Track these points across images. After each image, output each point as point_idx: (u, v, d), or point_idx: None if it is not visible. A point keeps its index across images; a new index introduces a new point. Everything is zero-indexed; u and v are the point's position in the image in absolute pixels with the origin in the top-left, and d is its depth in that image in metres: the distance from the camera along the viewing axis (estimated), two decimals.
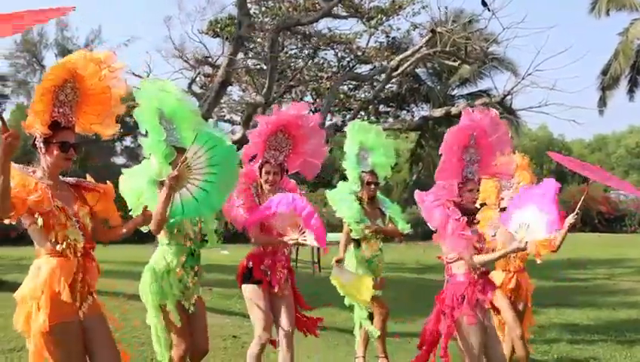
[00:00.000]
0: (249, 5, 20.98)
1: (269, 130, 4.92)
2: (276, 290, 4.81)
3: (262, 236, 4.80)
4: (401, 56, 13.90)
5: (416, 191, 4.35)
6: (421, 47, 13.07)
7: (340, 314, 8.74)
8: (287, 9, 20.13)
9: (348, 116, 18.19)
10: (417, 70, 24.91)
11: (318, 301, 9.95)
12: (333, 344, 7.35)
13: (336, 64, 24.19)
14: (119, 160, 37.50)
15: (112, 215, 3.67)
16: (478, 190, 4.21)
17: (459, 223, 4.08)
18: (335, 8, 19.63)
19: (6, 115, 29.47)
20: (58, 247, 3.33)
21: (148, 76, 19.32)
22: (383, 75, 19.10)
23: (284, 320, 4.84)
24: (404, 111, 25.63)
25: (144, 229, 4.09)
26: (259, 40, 19.89)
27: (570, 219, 5.37)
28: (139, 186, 4.09)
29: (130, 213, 4.12)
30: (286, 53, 22.98)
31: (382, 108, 26.12)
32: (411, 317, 9.06)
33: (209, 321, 7.37)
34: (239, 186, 4.82)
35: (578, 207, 5.48)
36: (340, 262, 5.96)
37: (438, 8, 13.11)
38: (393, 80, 24.38)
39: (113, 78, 3.56)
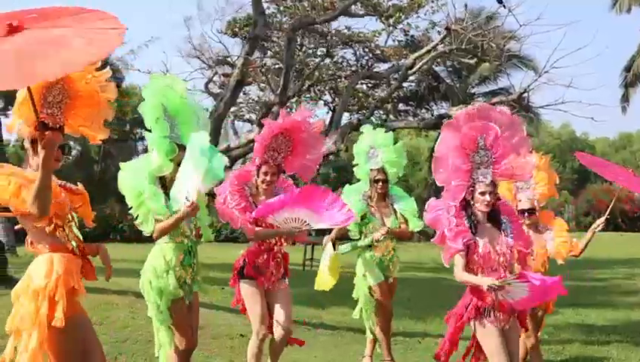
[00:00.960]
0: (267, 5, 21.13)
1: (271, 135, 4.98)
2: (269, 286, 4.91)
3: (262, 230, 4.82)
4: (416, 55, 13.83)
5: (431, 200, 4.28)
6: (436, 45, 12.97)
7: (351, 313, 8.72)
8: (306, 8, 20.16)
9: (365, 114, 18.10)
10: (436, 68, 24.70)
11: (330, 299, 10.01)
12: (343, 343, 7.35)
13: (355, 63, 24.20)
14: None
15: (89, 218, 3.70)
16: (492, 193, 4.05)
17: (451, 231, 4.01)
18: (353, 7, 19.67)
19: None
20: (69, 245, 3.39)
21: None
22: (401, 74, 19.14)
23: (281, 317, 4.89)
24: (424, 110, 25.50)
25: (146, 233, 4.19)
26: (276, 40, 19.86)
27: (598, 223, 5.43)
28: (139, 184, 4.09)
29: (130, 211, 4.13)
30: (304, 52, 23.02)
31: (401, 106, 26.04)
32: (423, 317, 9.01)
33: (219, 320, 7.52)
34: (232, 187, 4.87)
35: (607, 212, 5.43)
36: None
37: (454, 6, 12.93)
38: (412, 78, 24.40)
39: (100, 82, 3.58)
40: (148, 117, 4.14)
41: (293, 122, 5.07)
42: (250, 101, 22.53)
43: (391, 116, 23.66)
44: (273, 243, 4.92)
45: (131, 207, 4.13)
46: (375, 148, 6.35)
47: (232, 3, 36.48)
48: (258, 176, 4.94)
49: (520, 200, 5.45)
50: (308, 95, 24.65)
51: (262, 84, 22.14)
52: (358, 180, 6.52)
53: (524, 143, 4.07)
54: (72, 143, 4.14)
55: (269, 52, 22.27)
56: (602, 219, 5.60)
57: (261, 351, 4.90)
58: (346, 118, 19.51)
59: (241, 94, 24.13)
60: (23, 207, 3.18)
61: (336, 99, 22.30)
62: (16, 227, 3.73)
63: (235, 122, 22.41)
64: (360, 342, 7.12)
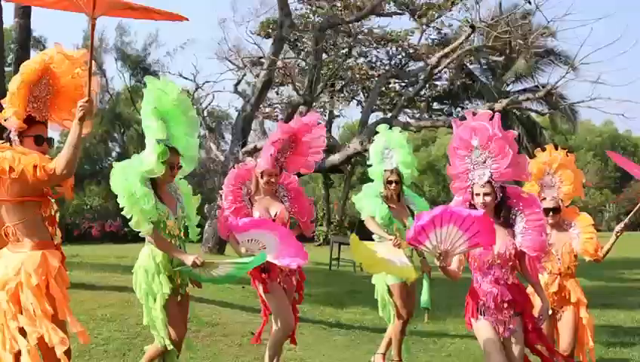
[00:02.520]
0: (300, 6, 21.26)
1: (283, 140, 5.06)
2: (284, 284, 5.00)
3: (233, 241, 4.91)
4: (440, 53, 13.70)
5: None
6: (461, 43, 12.84)
7: (371, 313, 8.72)
8: (338, 8, 20.18)
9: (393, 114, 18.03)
10: (470, 66, 24.49)
11: (350, 299, 10.04)
12: (356, 342, 7.35)
13: (388, 62, 24.12)
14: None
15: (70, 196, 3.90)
16: (488, 194, 4.02)
17: None
18: (387, 6, 19.62)
19: None
20: (55, 240, 3.57)
21: (194, 78, 19.96)
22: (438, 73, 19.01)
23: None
24: (459, 109, 25.26)
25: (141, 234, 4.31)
26: (306, 40, 19.94)
27: (619, 227, 5.31)
28: (131, 185, 4.19)
29: (122, 211, 4.23)
30: (337, 52, 23.07)
31: (435, 105, 25.86)
32: (442, 317, 8.95)
33: (235, 318, 7.62)
34: (228, 188, 4.97)
35: (630, 214, 5.31)
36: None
37: (476, 2, 12.77)
38: (445, 77, 24.20)
39: (85, 77, 3.62)
40: (144, 120, 4.27)
41: (302, 126, 5.18)
42: (284, 101, 22.67)
43: (425, 115, 23.55)
44: None
45: (123, 207, 4.23)
46: (390, 149, 6.32)
47: (267, 4, 36.75)
48: (262, 178, 4.99)
49: (544, 199, 5.32)
50: (341, 95, 24.73)
51: (297, 84, 22.31)
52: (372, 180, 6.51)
53: (515, 144, 4.07)
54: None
55: (302, 53, 22.42)
56: (622, 223, 5.49)
57: (282, 347, 5.10)
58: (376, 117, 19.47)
59: (275, 94, 24.35)
60: (47, 172, 3.34)
61: (368, 98, 22.30)
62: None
63: (266, 122, 22.57)
64: (374, 342, 7.11)
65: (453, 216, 3.67)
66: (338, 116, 26.21)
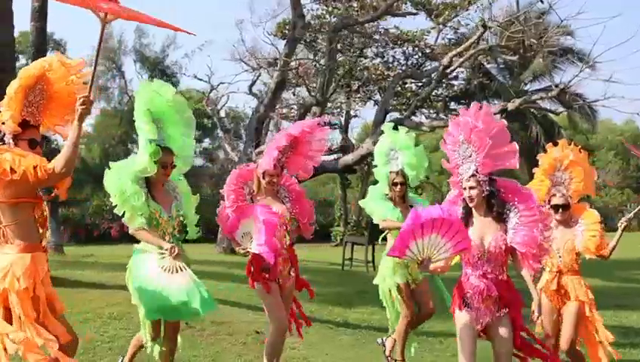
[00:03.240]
0: (316, 6, 21.32)
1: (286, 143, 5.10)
2: (281, 283, 5.04)
3: (234, 242, 5.03)
4: (452, 53, 13.65)
5: None
6: (473, 43, 12.79)
7: (379, 312, 8.73)
8: (355, 8, 20.20)
9: (406, 114, 17.99)
10: (488, 66, 24.35)
11: (359, 299, 10.06)
12: (361, 341, 7.37)
13: (405, 62, 24.08)
14: (198, 161, 38.69)
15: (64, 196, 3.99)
16: (472, 187, 4.06)
17: None
18: (404, 6, 19.60)
19: (91, 120, 31.28)
20: (44, 242, 3.66)
21: (209, 80, 20.11)
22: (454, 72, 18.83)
23: (286, 298, 5.09)
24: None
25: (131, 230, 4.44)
26: (320, 41, 19.98)
27: (624, 220, 5.32)
28: (122, 183, 4.32)
29: (115, 209, 4.38)
30: (353, 52, 23.10)
31: (453, 105, 25.75)
32: (450, 317, 8.92)
33: (242, 317, 7.68)
34: (229, 187, 5.02)
35: (633, 213, 5.28)
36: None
37: (489, 2, 12.72)
38: (462, 76, 24.11)
39: (79, 85, 3.81)
40: (137, 122, 4.38)
41: (304, 129, 5.21)
42: (300, 102, 22.75)
43: (441, 115, 23.46)
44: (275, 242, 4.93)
45: (115, 205, 4.37)
46: (395, 150, 6.32)
47: (283, 4, 36.92)
48: (264, 178, 5.03)
49: (554, 195, 5.31)
50: (357, 95, 24.74)
51: (311, 85, 22.36)
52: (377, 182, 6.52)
53: (504, 132, 4.07)
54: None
55: (319, 53, 22.47)
56: (627, 216, 5.45)
57: (281, 348, 5.08)
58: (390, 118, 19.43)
59: (291, 95, 24.45)
60: (47, 172, 3.44)
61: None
62: None
63: (282, 123, 22.68)
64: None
65: (426, 225, 3.70)
66: (355, 116, 26.17)
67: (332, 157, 16.46)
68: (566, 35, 22.66)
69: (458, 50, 13.79)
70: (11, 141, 3.62)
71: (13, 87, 3.64)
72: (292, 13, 14.08)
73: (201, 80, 22.37)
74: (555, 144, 5.62)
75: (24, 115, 3.64)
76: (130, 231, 4.43)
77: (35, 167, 3.42)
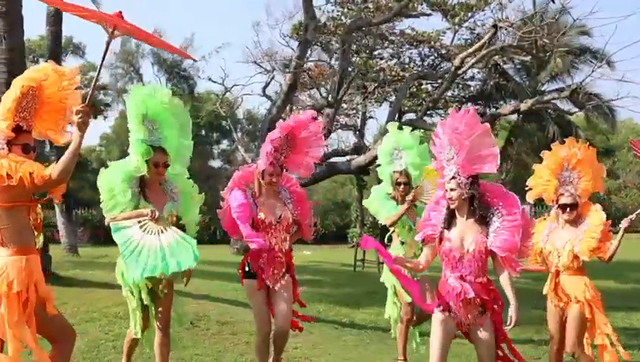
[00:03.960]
0: (332, 7, 21.39)
1: (281, 137, 5.06)
2: (271, 286, 4.94)
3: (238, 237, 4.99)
4: (464, 54, 13.61)
5: None
6: (484, 43, 12.74)
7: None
8: (370, 10, 20.23)
9: (418, 115, 17.98)
10: (504, 66, 24.23)
11: (367, 299, 10.08)
12: (365, 342, 7.40)
13: (420, 63, 24.05)
14: (216, 163, 39.04)
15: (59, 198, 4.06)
16: (452, 189, 4.06)
17: (420, 224, 4.20)
18: (420, 7, 19.58)
19: (110, 123, 31.67)
20: (37, 245, 3.73)
21: (223, 82, 20.28)
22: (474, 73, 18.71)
23: (278, 314, 4.94)
24: (493, 109, 25.02)
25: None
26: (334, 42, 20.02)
27: (625, 223, 5.17)
28: (112, 181, 4.46)
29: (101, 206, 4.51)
30: (369, 54, 23.14)
31: (469, 106, 25.66)
32: None
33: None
34: (233, 188, 4.97)
35: (635, 213, 5.20)
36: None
37: (500, 3, 12.67)
38: (478, 77, 24.03)
39: (71, 90, 3.90)
40: (129, 121, 4.50)
41: (297, 123, 5.12)
42: (312, 103, 22.82)
43: None
44: (273, 244, 4.93)
45: (102, 201, 4.50)
46: (399, 150, 6.33)
47: (299, 6, 37.04)
48: (263, 178, 5.00)
49: (562, 195, 5.24)
50: (373, 96, 24.75)
51: (325, 87, 22.39)
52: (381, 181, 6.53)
53: (486, 135, 4.06)
54: None
55: (335, 55, 22.53)
56: (629, 218, 5.38)
57: (266, 348, 5.00)
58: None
59: (307, 97, 24.52)
60: (44, 178, 3.51)
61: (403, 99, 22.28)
62: None
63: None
64: (384, 342, 7.18)
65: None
66: (370, 118, 26.19)
67: (345, 158, 16.48)
68: (583, 35, 22.56)
69: (469, 51, 13.74)
70: (5, 147, 3.69)
71: (10, 98, 3.72)
72: (304, 16, 14.13)
73: (215, 82, 22.51)
74: (562, 142, 5.54)
75: (17, 121, 3.70)
76: (106, 222, 4.48)
77: (31, 174, 3.50)
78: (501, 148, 27.95)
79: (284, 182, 5.18)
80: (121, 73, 29.33)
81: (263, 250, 4.92)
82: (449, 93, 24.22)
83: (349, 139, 25.37)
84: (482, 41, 13.09)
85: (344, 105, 24.87)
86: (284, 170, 5.17)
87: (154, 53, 29.97)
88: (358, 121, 26.71)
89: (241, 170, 5.15)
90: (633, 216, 5.33)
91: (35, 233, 3.76)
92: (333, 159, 16.64)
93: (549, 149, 5.52)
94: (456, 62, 13.61)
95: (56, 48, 12.39)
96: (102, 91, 29.76)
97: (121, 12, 3.55)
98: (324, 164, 15.96)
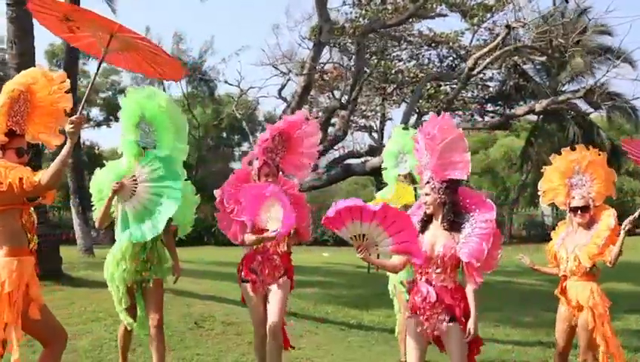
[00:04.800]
0: (349, 9, 21.40)
1: (271, 137, 5.06)
2: (268, 286, 4.94)
3: (248, 237, 4.92)
4: (477, 55, 13.53)
5: None
6: (498, 44, 12.66)
7: (395, 315, 8.75)
8: (389, 11, 20.19)
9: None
10: (524, 66, 24.02)
11: (377, 301, 10.07)
12: (371, 343, 7.41)
13: (439, 64, 23.94)
14: (237, 165, 39.22)
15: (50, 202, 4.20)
16: (427, 194, 4.08)
17: None
18: (439, 7, 19.52)
19: None
20: (30, 246, 3.81)
21: (239, 84, 20.41)
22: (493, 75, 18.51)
23: (270, 314, 4.92)
24: (513, 110, 24.82)
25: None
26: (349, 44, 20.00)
27: (627, 223, 5.02)
28: (102, 182, 4.58)
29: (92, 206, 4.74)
30: (388, 55, 23.10)
31: (489, 107, 25.48)
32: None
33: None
34: (228, 191, 5.01)
35: (638, 213, 5.11)
36: None
37: (513, 3, 12.57)
38: (498, 77, 23.83)
39: (61, 95, 4.01)
40: (123, 123, 4.60)
41: (290, 123, 5.15)
42: (325, 105, 22.85)
43: (476, 117, 23.27)
44: (268, 246, 4.95)
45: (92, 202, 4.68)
46: (404, 153, 6.33)
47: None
48: (259, 179, 4.98)
49: (573, 198, 5.20)
50: (392, 98, 24.71)
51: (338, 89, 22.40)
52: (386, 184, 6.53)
53: (459, 142, 4.05)
54: None
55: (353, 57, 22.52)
56: (631, 217, 5.28)
57: (264, 349, 4.98)
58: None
59: (327, 99, 24.55)
60: (33, 184, 3.61)
61: (421, 101, 22.19)
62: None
63: None
64: (389, 344, 7.20)
65: (366, 212, 3.64)
66: (390, 119, 26.16)
67: (360, 160, 16.48)
68: (604, 34, 22.27)
69: (482, 51, 13.67)
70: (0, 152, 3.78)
71: (1, 103, 3.80)
72: (318, 19, 14.17)
73: (231, 85, 22.66)
74: (573, 148, 5.46)
75: (10, 125, 3.79)
76: (97, 226, 4.76)
77: (20, 179, 3.58)
78: (522, 149, 27.98)
79: (282, 185, 5.17)
80: (142, 77, 29.60)
81: (258, 252, 4.96)
82: (468, 94, 24.10)
83: (364, 140, 25.33)
84: (495, 41, 13.01)
85: (363, 107, 24.91)
86: (280, 172, 5.17)
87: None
88: (377, 122, 26.67)
89: (237, 171, 5.18)
90: (636, 215, 5.20)
91: (29, 235, 3.82)
92: (349, 161, 16.63)
93: (570, 150, 5.46)
94: (470, 63, 13.54)
95: (73, 52, 12.57)
96: (123, 94, 29.93)
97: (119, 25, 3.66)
98: (339, 165, 15.99)
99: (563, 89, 24.37)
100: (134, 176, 4.57)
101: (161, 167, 4.55)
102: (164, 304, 7.64)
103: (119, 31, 3.64)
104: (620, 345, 5.10)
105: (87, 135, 37.94)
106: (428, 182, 4.07)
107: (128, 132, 4.63)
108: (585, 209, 5.14)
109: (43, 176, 3.60)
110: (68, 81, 4.03)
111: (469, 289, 3.96)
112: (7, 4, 7.97)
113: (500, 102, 25.14)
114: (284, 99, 17.47)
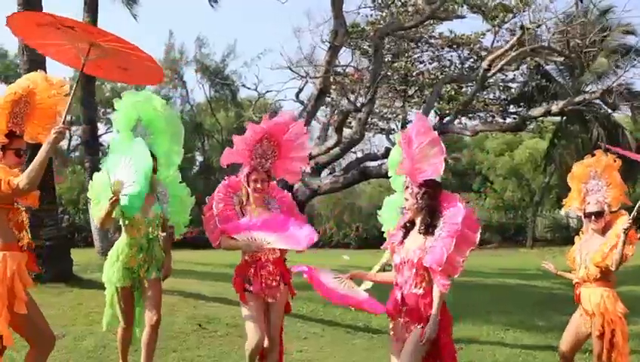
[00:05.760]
0: (371, 12, 21.42)
1: (256, 139, 4.93)
2: (266, 296, 4.82)
3: (225, 240, 4.83)
4: (491, 57, 13.43)
5: None
6: (513, 45, 12.55)
7: None
8: (410, 13, 20.16)
9: (449, 118, 17.79)
10: (547, 67, 23.77)
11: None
12: (377, 346, 7.41)
13: (460, 66, 23.81)
14: None
15: (34, 201, 4.16)
16: (406, 198, 4.10)
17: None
18: (460, 8, 19.44)
19: None
20: (21, 241, 3.92)
21: (256, 88, 20.53)
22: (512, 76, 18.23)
23: (272, 313, 4.89)
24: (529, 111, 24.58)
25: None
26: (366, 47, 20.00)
27: (624, 225, 4.85)
28: (100, 185, 4.82)
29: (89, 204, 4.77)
30: (409, 57, 23.05)
31: (512, 108, 25.25)
32: (479, 323, 8.87)
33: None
34: (219, 194, 4.89)
35: (632, 215, 5.02)
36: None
37: (527, 4, 12.45)
38: (520, 79, 23.59)
39: (60, 97, 4.16)
40: (119, 126, 4.72)
41: (276, 126, 5.00)
42: (341, 108, 22.85)
43: (497, 118, 23.06)
44: (259, 256, 4.83)
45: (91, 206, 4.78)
46: None
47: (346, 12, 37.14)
48: (248, 185, 4.87)
49: (588, 203, 5.13)
50: (413, 100, 24.63)
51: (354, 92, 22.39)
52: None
53: (434, 145, 4.05)
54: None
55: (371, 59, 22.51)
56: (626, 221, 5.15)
57: (253, 358, 4.84)
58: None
59: (346, 102, 24.55)
60: (12, 187, 3.71)
61: (441, 103, 22.09)
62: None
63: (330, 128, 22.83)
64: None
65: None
66: (410, 122, 26.06)
67: (377, 162, 16.43)
68: (629, 34, 21.95)
69: (497, 53, 13.57)
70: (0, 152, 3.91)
71: (1, 106, 3.94)
72: (334, 22, 14.15)
73: (248, 88, 22.83)
74: (609, 148, 5.45)
75: (10, 127, 3.94)
76: (99, 228, 4.85)
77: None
78: (545, 151, 27.64)
79: (275, 193, 5.12)
80: (165, 81, 30.02)
81: (251, 263, 4.85)
82: (490, 96, 23.94)
83: (382, 143, 25.31)
84: (509, 43, 12.90)
85: (384, 110, 24.87)
86: (270, 178, 5.04)
87: (197, 60, 30.60)
88: (398, 125, 26.58)
89: (228, 179, 5.02)
90: (634, 213, 5.05)
91: (21, 233, 3.91)
92: (366, 163, 16.59)
93: (593, 150, 5.40)
94: (485, 64, 13.45)
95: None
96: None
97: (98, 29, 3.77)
98: (356, 168, 15.97)
99: (587, 90, 24.04)
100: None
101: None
102: (172, 306, 7.84)
103: (98, 38, 3.73)
104: (627, 353, 4.98)
105: (107, 139, 38.48)
106: (407, 187, 4.07)
107: (123, 135, 4.75)
108: (599, 214, 5.05)
109: (20, 180, 3.70)
110: (67, 85, 4.17)
111: (435, 293, 3.93)
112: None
113: (521, 104, 24.92)
114: (302, 103, 17.49)
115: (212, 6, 15.45)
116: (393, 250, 4.16)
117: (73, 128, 27.12)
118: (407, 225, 4.13)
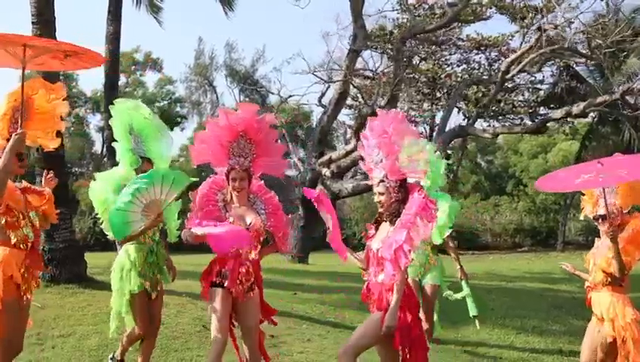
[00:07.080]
0: (398, 15, 21.45)
1: (228, 136, 4.85)
2: (237, 294, 4.74)
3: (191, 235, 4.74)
4: (509, 59, 13.32)
5: None
6: (532, 47, 12.43)
7: None
8: (438, 16, 20.15)
9: (470, 120, 17.67)
10: (577, 68, 23.42)
11: None
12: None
13: (488, 67, 23.64)
14: (291, 172, 39.60)
15: (52, 215, 4.39)
16: (381, 193, 4.13)
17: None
18: (488, 10, 19.36)
19: (187, 134, 32.84)
20: (12, 240, 4.09)
21: (279, 92, 20.68)
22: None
23: (246, 318, 4.89)
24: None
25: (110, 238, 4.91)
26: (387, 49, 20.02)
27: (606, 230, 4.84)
28: (104, 192, 4.84)
29: (97, 217, 4.89)
30: (436, 60, 23.00)
31: (542, 110, 24.95)
32: (490, 326, 8.83)
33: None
34: (201, 191, 4.88)
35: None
36: None
37: (543, 6, 12.32)
38: (550, 80, 23.32)
39: (58, 102, 4.36)
40: (116, 133, 4.87)
41: (246, 124, 4.86)
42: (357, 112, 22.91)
43: (526, 120, 22.81)
44: (240, 252, 4.76)
45: (97, 214, 4.81)
46: None
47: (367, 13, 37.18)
48: (229, 183, 4.82)
49: (599, 206, 5.08)
50: (440, 103, 24.54)
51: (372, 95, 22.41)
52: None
53: (417, 142, 4.08)
54: None
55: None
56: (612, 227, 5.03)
57: (219, 358, 4.80)
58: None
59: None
60: None
61: (469, 105, 21.98)
62: None
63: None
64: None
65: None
66: (438, 125, 26.00)
67: None
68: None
69: (515, 55, 13.46)
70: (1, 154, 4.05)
71: (2, 111, 4.18)
72: (353, 26, 14.26)
73: (272, 93, 23.02)
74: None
75: (11, 131, 4.14)
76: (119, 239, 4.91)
77: None
78: (576, 153, 27.15)
79: (261, 193, 5.04)
80: (196, 86, 30.45)
81: (230, 257, 4.75)
82: (519, 97, 23.72)
83: None
84: (528, 45, 12.78)
85: (412, 113, 24.85)
86: (251, 176, 4.91)
87: (227, 65, 30.93)
88: (427, 128, 26.53)
89: (214, 177, 4.99)
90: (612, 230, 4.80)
91: (9, 231, 4.07)
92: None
93: (625, 153, 5.31)
94: (503, 66, 13.35)
95: (115, 64, 13.02)
96: (178, 104, 30.92)
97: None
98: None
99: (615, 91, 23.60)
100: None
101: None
102: (180, 306, 7.99)
103: (30, 41, 3.89)
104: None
105: None
106: (382, 181, 4.11)
107: (123, 140, 4.91)
108: (605, 217, 4.95)
109: None
110: (64, 91, 4.39)
111: (395, 282, 4.01)
112: (33, 23, 8.42)
113: (552, 105, 24.58)
114: (324, 107, 17.59)
115: (226, 14, 15.57)
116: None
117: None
118: (379, 219, 4.21)
